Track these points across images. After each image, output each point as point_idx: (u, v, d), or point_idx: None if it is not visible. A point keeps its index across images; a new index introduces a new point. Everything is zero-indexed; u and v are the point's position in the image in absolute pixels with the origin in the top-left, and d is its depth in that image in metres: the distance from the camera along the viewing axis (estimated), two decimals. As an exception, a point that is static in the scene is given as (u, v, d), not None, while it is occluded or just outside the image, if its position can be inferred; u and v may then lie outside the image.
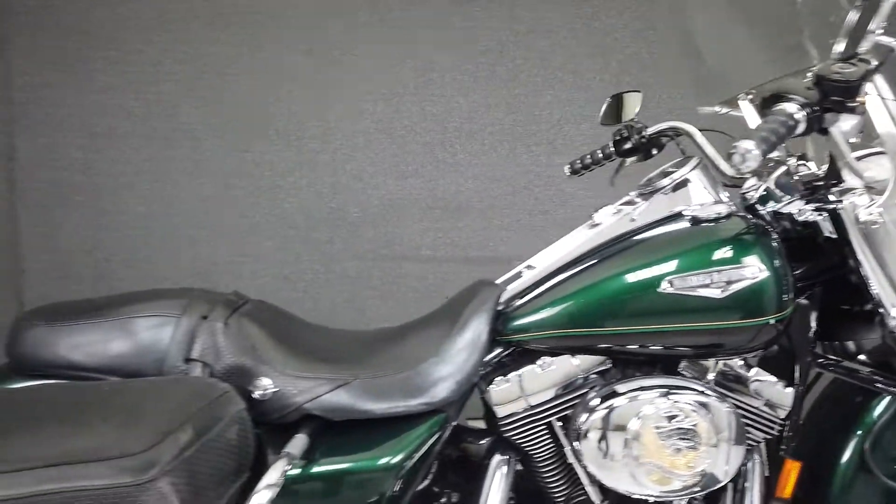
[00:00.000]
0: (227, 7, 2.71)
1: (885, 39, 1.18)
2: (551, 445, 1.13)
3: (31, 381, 1.02)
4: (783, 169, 1.30)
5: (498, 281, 1.29)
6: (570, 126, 2.87)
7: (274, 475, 0.88)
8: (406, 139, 2.83)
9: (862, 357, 1.21)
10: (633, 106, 1.51)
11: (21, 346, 1.01)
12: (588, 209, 2.87)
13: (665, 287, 1.10)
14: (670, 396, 1.07)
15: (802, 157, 1.37)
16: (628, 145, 1.48)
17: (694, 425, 1.05)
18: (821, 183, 1.21)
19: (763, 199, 1.33)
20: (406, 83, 2.80)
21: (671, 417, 1.04)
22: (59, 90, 2.68)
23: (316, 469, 0.95)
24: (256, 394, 0.96)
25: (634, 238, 1.19)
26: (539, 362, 1.11)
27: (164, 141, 2.74)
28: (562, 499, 1.15)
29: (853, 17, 1.22)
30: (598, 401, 1.06)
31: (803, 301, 1.20)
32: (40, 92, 2.68)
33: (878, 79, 1.18)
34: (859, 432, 1.20)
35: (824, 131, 1.15)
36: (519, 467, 1.11)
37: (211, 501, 0.82)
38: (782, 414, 1.14)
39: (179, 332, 1.01)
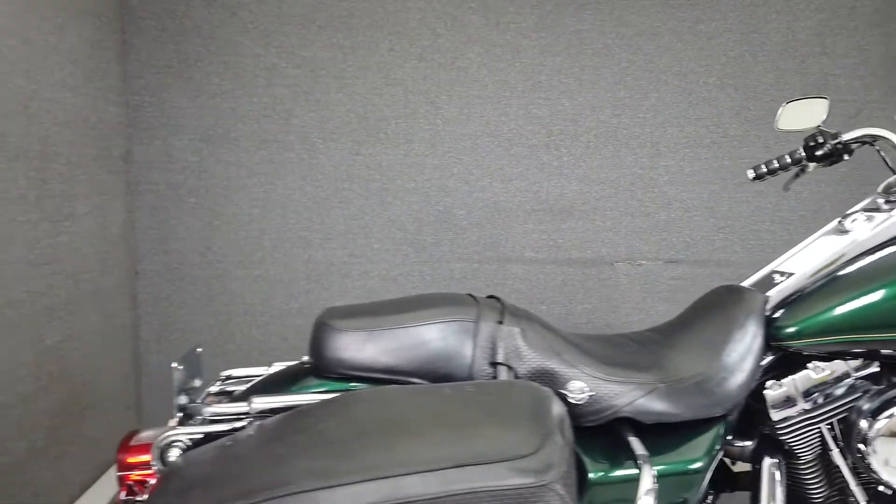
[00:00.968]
0: (342, 13, 2.74)
1: None
2: (818, 447, 1.17)
3: (334, 384, 1.06)
4: None
5: (744, 284, 1.32)
6: (673, 128, 2.91)
7: (649, 480, 0.91)
8: (512, 142, 2.86)
9: None
10: (819, 112, 1.53)
11: (330, 350, 1.04)
12: (690, 212, 2.94)
13: None
14: None
15: None
16: (821, 151, 1.50)
17: None
18: None
19: None
20: (513, 86, 2.84)
21: None
22: (174, 93, 2.71)
23: (622, 472, 0.99)
24: (571, 397, 0.99)
25: None
26: (811, 366, 1.14)
27: (277, 144, 2.77)
28: (820, 499, 1.19)
29: None
30: (878, 405, 1.09)
31: None
32: (156, 95, 2.70)
33: None
34: None
35: None
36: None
37: None
38: None
39: (481, 338, 1.05)
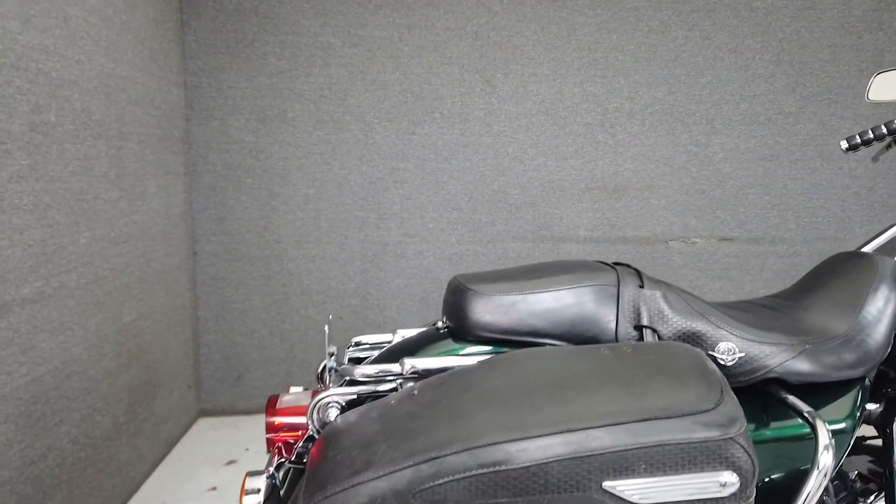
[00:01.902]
0: (399, -10, 2.73)
1: None
2: None
3: (477, 347, 1.07)
4: None
5: (864, 249, 1.32)
6: (728, 106, 2.89)
7: (825, 435, 0.92)
8: (567, 120, 2.85)
9: None
10: (917, 82, 1.51)
11: (475, 314, 1.04)
12: (745, 189, 2.93)
13: None
14: None
15: None
16: (919, 121, 1.48)
17: None
18: None
19: None
20: (569, 64, 2.83)
21: None
22: (231, 74, 2.71)
23: (779, 432, 1.00)
24: (721, 358, 1.00)
25: None
26: None
27: (333, 124, 2.77)
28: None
29: None
30: None
31: None
32: (213, 76, 2.70)
33: None
34: None
35: None
36: None
37: None
38: None
39: (624, 301, 1.05)
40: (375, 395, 1.03)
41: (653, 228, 2.94)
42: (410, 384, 0.98)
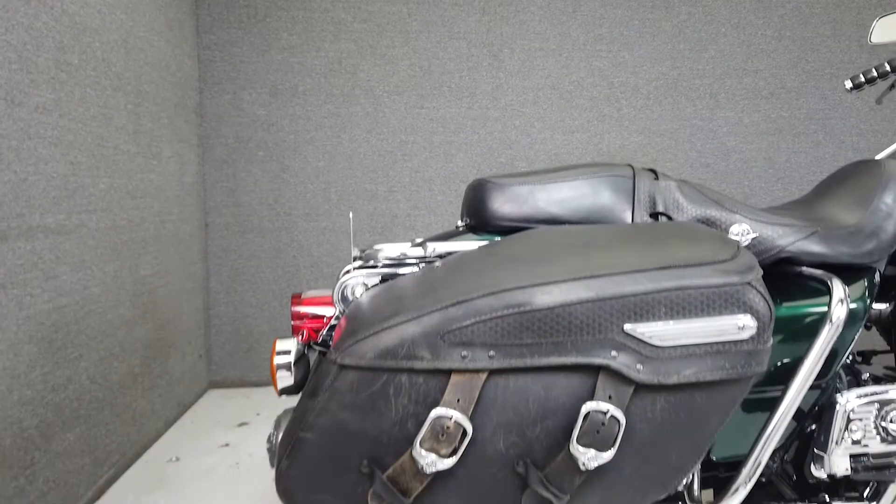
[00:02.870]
0: (408, -34, 2.80)
1: None
2: None
3: (497, 237, 1.09)
4: None
5: (878, 157, 1.35)
6: (732, 80, 2.94)
7: (840, 289, 0.95)
8: (573, 94, 2.90)
9: None
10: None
11: (494, 204, 1.07)
12: (749, 163, 2.97)
13: None
14: None
15: None
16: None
17: None
18: None
19: None
20: (575, 39, 2.88)
21: None
22: (243, 48, 2.77)
23: (796, 305, 1.02)
24: (736, 239, 1.03)
25: None
26: None
27: (343, 98, 2.82)
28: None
29: None
30: None
31: None
32: (226, 50, 2.76)
33: None
34: None
35: None
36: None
37: None
38: None
39: (640, 191, 1.08)
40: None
41: (659, 201, 2.97)
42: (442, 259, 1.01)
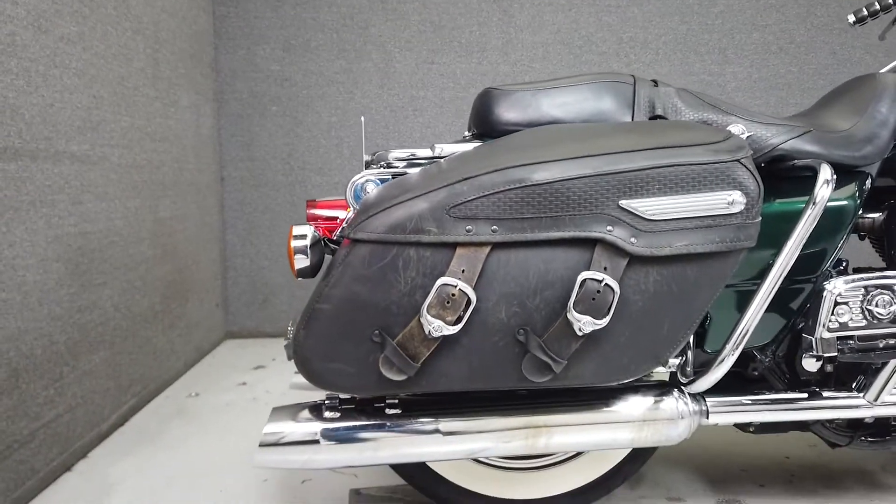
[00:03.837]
0: (419, -79, 2.82)
1: None
2: None
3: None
4: None
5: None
6: (741, 35, 2.95)
7: (827, 171, 0.99)
8: (583, 49, 2.93)
9: None
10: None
11: (500, 108, 1.11)
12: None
13: None
14: None
15: None
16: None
17: None
18: None
19: None
20: (584, -6, 2.90)
21: None
22: (258, 3, 2.81)
23: (788, 201, 1.07)
24: None
25: None
26: None
27: (355, 53, 2.86)
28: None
29: None
30: None
31: None
32: (241, 5, 2.81)
33: None
34: None
35: None
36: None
37: None
38: None
39: (640, 96, 1.13)
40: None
41: (667, 157, 3.00)
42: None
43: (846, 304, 1.07)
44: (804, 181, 1.12)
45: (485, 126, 1.16)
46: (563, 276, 0.89)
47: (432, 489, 1.18)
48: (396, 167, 1.10)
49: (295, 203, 2.91)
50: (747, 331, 1.01)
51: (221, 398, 2.11)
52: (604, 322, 0.87)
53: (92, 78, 1.70)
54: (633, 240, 0.88)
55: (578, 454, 1.20)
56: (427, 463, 1.14)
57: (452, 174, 0.90)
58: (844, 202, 1.12)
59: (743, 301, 1.09)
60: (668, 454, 1.56)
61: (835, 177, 1.03)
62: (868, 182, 1.17)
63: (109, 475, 1.51)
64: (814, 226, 1.01)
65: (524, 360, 0.90)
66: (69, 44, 1.59)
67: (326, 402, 1.00)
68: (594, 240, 0.89)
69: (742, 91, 2.98)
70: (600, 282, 0.87)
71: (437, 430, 0.95)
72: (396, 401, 1.00)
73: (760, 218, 0.93)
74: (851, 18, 1.72)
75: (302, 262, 1.00)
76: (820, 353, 1.07)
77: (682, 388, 1.08)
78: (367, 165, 1.14)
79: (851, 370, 1.16)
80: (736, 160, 0.89)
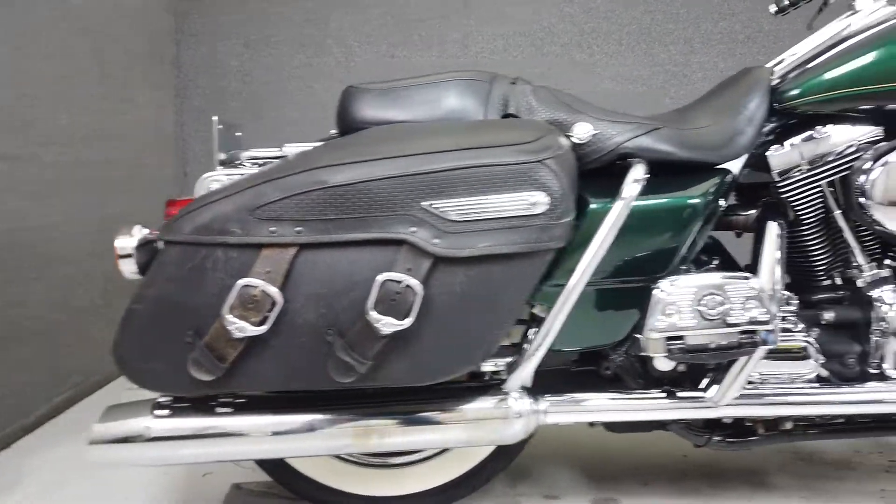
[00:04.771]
0: (377, -86, 2.83)
1: None
2: (821, 210, 1.21)
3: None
4: None
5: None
6: (707, 24, 2.89)
7: (640, 170, 0.99)
8: (544, 41, 2.90)
9: None
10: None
11: (355, 108, 1.13)
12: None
13: None
14: None
15: None
16: (844, -21, 1.50)
17: None
18: None
19: None
20: (545, -15, 2.88)
21: None
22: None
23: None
24: (576, 138, 1.07)
25: None
26: (815, 129, 1.18)
27: (315, 47, 2.88)
28: (822, 267, 1.23)
29: None
30: (876, 157, 1.12)
31: None
32: (202, 0, 2.85)
33: None
34: None
35: None
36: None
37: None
38: None
39: (494, 94, 1.13)
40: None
41: (631, 149, 2.96)
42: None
43: (675, 303, 1.06)
44: (657, 180, 1.11)
45: (343, 124, 1.18)
46: (367, 277, 0.91)
47: (292, 485, 1.21)
48: (245, 167, 1.13)
49: (259, 197, 2.96)
50: (549, 330, 1.01)
51: (168, 389, 2.18)
52: (406, 323, 0.88)
53: (16, 77, 1.75)
54: (436, 241, 0.90)
55: (442, 451, 1.22)
56: (285, 459, 1.17)
57: (262, 175, 0.93)
58: (696, 199, 1.11)
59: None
60: (562, 453, 1.54)
61: (648, 175, 1.02)
62: (728, 178, 1.16)
63: (24, 465, 1.56)
64: (620, 225, 1.01)
65: (329, 361, 0.92)
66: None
67: (160, 399, 1.04)
68: (400, 241, 0.90)
69: (709, 81, 2.90)
70: (399, 283, 0.88)
71: (262, 429, 0.98)
72: (231, 399, 1.03)
73: (570, 218, 0.93)
74: (773, 8, 1.69)
75: (127, 264, 1.00)
76: (650, 354, 1.07)
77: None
78: (223, 164, 1.16)
79: (703, 370, 1.15)
80: (539, 161, 0.90)
